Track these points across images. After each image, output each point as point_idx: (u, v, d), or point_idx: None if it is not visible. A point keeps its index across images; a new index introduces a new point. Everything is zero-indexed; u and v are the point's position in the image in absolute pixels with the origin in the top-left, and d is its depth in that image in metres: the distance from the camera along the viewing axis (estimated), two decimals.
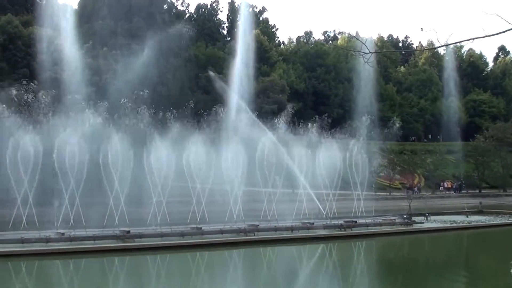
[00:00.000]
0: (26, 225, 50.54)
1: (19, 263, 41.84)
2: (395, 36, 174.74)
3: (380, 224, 62.30)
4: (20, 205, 52.31)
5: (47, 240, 45.24)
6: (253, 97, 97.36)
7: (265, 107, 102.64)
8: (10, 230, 48.70)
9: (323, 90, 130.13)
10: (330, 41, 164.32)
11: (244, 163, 61.84)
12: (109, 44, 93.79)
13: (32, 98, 61.27)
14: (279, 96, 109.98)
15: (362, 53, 15.77)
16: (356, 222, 61.03)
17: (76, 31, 74.73)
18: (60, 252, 44.14)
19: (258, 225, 55.09)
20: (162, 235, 49.40)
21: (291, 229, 55.81)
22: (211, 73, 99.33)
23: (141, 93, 74.03)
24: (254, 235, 52.87)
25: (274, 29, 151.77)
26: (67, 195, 53.51)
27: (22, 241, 44.34)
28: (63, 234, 46.53)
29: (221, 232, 52.33)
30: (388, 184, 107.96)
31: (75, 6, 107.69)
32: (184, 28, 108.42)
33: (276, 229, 55.33)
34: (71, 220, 51.76)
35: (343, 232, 57.59)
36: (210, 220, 57.42)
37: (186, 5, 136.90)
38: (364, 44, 16.39)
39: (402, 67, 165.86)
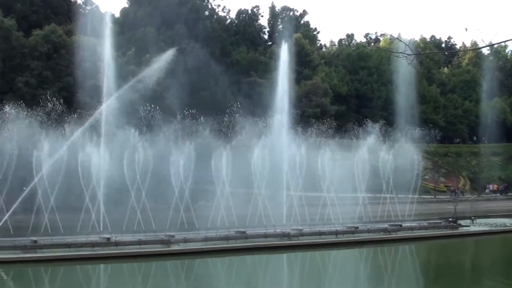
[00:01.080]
0: (73, 230, 51.15)
1: (66, 268, 42.51)
2: (437, 37, 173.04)
3: (425, 228, 61.79)
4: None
5: (93, 244, 45.86)
6: (296, 101, 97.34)
7: (307, 110, 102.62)
8: (58, 234, 49.32)
9: (365, 92, 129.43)
10: (372, 43, 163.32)
11: (288, 167, 61.92)
12: (151, 51, 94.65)
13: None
14: (321, 99, 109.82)
15: (405, 55, 15.75)
16: (401, 225, 60.59)
17: (119, 39, 75.69)
18: (106, 256, 44.76)
19: (302, 229, 55.03)
20: (206, 239, 49.60)
21: (336, 233, 55.62)
22: (249, 78, 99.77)
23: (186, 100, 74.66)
24: (298, 239, 52.84)
25: (315, 32, 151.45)
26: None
27: (69, 245, 45.00)
28: (108, 239, 47.09)
29: (265, 236, 52.37)
30: (433, 187, 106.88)
31: (117, 14, 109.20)
32: (225, 33, 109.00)
33: (320, 233, 55.16)
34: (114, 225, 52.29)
35: (388, 236, 57.22)
36: (254, 224, 57.43)
37: (227, 11, 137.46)
38: (408, 45, 16.35)
39: (445, 68, 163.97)
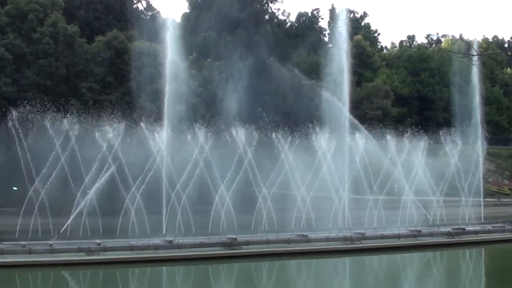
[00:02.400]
0: (136, 232, 51.85)
1: (128, 270, 43.14)
2: (500, 37, 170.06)
3: (489, 232, 60.56)
4: (128, 212, 53.76)
5: (156, 247, 46.40)
6: (357, 103, 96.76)
7: (369, 113, 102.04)
8: (122, 237, 50.04)
9: (427, 94, 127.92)
10: (434, 44, 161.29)
11: (349, 170, 61.64)
12: (212, 55, 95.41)
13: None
14: (383, 101, 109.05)
15: (469, 56, 15.59)
16: (464, 229, 59.55)
17: (180, 44, 76.25)
18: (168, 259, 45.25)
19: (365, 233, 54.62)
20: (268, 242, 49.65)
21: (398, 236, 55.02)
22: (310, 81, 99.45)
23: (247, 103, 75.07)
24: (361, 243, 52.48)
25: (376, 34, 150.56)
26: (176, 203, 54.67)
27: (132, 248, 45.62)
28: (171, 241, 47.53)
29: (327, 239, 52.12)
30: (496, 190, 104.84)
31: (178, 20, 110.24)
32: (285, 37, 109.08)
33: (382, 236, 54.62)
34: (180, 227, 52.76)
35: (451, 240, 56.39)
36: (316, 227, 57.26)
37: (287, 15, 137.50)
38: (472, 46, 16.15)
39: (508, 68, 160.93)
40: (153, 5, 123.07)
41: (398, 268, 47.89)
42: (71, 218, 50.80)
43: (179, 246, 46.87)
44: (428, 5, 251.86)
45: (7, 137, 54.28)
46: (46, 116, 55.39)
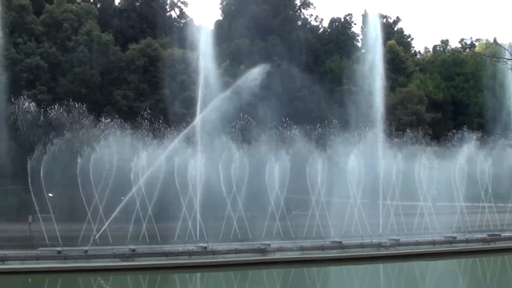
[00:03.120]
0: (170, 238, 52.10)
1: (163, 276, 43.32)
2: None
3: None
4: (164, 218, 54.08)
5: (190, 253, 46.58)
6: (391, 109, 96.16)
7: (403, 118, 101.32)
8: (156, 243, 50.30)
9: (461, 99, 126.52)
10: (468, 49, 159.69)
11: (383, 176, 61.31)
12: (245, 62, 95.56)
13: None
14: (417, 107, 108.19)
15: (504, 59, 15.39)
16: (500, 235, 58.87)
17: (213, 51, 76.53)
18: (202, 265, 45.40)
19: (399, 239, 54.25)
20: (302, 248, 49.57)
21: (433, 243, 54.60)
22: (343, 87, 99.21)
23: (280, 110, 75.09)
24: (395, 250, 52.17)
25: (409, 39, 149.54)
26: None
27: (166, 254, 45.87)
28: (205, 247, 47.70)
29: (361, 246, 51.93)
30: None
31: (212, 27, 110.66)
32: (318, 43, 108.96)
33: (417, 243, 54.27)
34: (211, 234, 52.89)
35: (487, 246, 55.74)
36: (350, 234, 56.93)
37: (320, 20, 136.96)
38: (507, 50, 15.94)
39: None
40: (186, 12, 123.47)
41: (433, 275, 47.45)
42: (106, 224, 51.26)
43: (213, 252, 47.08)
44: (462, 9, 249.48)
45: (42, 143, 54.92)
46: (81, 123, 56.07)
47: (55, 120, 59.20)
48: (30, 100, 71.33)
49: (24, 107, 67.82)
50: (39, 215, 53.64)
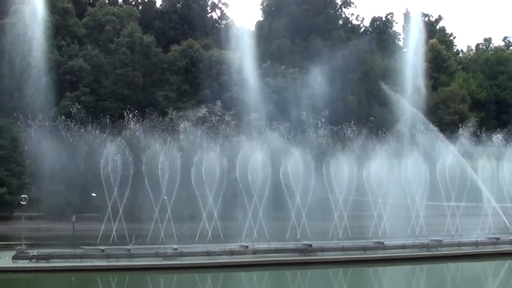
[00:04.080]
0: (211, 238, 52.37)
1: (206, 275, 43.52)
2: None
3: None
4: (206, 219, 54.29)
5: (232, 253, 46.75)
6: (433, 108, 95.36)
7: (445, 118, 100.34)
8: (197, 243, 50.62)
9: (505, 98, 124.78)
10: (511, 47, 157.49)
11: (425, 176, 60.74)
12: (286, 62, 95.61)
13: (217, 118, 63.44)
14: (459, 106, 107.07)
15: None
16: None
17: (254, 51, 76.99)
18: (244, 264, 45.50)
19: (442, 240, 53.69)
20: (344, 249, 49.36)
21: (476, 244, 53.84)
22: (384, 86, 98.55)
23: (321, 110, 74.99)
24: (437, 250, 51.65)
25: (451, 38, 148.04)
26: (251, 210, 54.98)
27: (208, 253, 46.09)
28: (247, 247, 47.80)
29: (404, 247, 51.46)
30: None
31: (252, 28, 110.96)
32: (359, 42, 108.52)
33: (460, 244, 53.58)
34: (254, 234, 52.98)
35: None
36: (392, 235, 56.57)
37: (361, 19, 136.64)
38: None
39: None
40: (227, 14, 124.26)
41: (476, 276, 46.89)
42: (152, 224, 51.81)
43: (255, 252, 47.08)
44: (505, 6, 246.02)
45: (86, 144, 55.64)
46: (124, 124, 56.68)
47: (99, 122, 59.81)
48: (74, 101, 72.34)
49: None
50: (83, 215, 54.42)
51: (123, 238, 49.76)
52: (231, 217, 57.37)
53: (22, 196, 53.44)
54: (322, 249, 48.91)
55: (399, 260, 48.92)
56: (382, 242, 51.56)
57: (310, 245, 48.69)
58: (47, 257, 43.12)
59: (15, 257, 43.00)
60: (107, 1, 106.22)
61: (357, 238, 53.48)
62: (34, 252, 43.49)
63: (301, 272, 45.58)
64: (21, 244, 45.36)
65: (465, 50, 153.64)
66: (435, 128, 70.72)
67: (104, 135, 56.20)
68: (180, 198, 53.70)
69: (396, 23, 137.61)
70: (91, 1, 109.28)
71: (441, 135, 68.31)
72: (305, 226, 55.77)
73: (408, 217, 59.95)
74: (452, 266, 49.36)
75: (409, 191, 60.25)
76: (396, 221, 59.57)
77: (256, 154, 56.82)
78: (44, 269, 41.88)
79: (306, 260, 46.92)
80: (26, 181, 70.97)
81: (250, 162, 56.08)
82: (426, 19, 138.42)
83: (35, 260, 42.76)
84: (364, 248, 50.04)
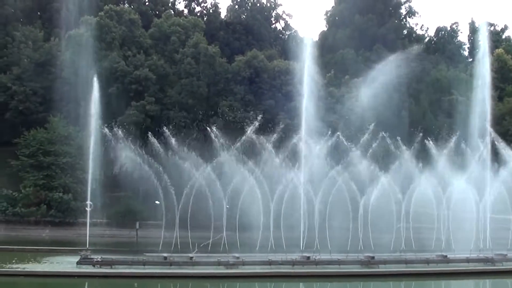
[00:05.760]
0: (273, 247, 52.50)
1: (266, 284, 43.75)
2: None
3: None
4: (268, 228, 54.47)
5: (293, 263, 46.82)
6: (499, 119, 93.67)
7: (511, 129, 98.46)
8: (258, 252, 50.90)
9: None
10: None
11: (490, 188, 59.79)
12: (350, 72, 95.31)
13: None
14: None
15: None
16: None
17: (318, 61, 76.71)
18: (306, 275, 45.52)
19: (506, 254, 52.70)
20: (406, 261, 48.97)
21: None
22: (450, 97, 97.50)
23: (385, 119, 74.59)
24: (502, 265, 50.73)
25: None
26: (312, 220, 54.95)
27: (270, 263, 46.25)
28: (308, 257, 47.82)
29: (467, 260, 50.75)
30: None
31: (316, 38, 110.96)
32: (425, 52, 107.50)
33: None
34: (317, 244, 52.96)
35: None
36: (456, 248, 55.76)
37: (426, 29, 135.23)
38: None
39: None
40: (291, 24, 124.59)
41: None
42: (212, 233, 52.31)
43: (316, 263, 47.11)
44: None
45: (151, 152, 56.45)
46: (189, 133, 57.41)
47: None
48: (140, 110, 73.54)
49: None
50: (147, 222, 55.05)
51: (186, 245, 50.36)
52: (294, 227, 57.33)
53: (87, 202, 54.51)
54: (385, 262, 48.58)
55: (463, 274, 48.28)
56: (446, 256, 50.96)
57: (373, 257, 48.45)
58: (110, 263, 44.04)
59: (79, 262, 44.02)
60: (172, 12, 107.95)
61: (420, 251, 52.93)
62: (98, 258, 44.45)
63: (363, 284, 45.48)
64: (85, 250, 46.42)
65: None
66: (499, 139, 69.42)
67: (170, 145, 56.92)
68: (244, 207, 53.98)
69: (461, 32, 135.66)
70: (157, 12, 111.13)
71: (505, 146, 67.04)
72: (368, 238, 55.45)
73: (472, 230, 59.00)
74: None
75: (475, 203, 59.43)
76: (460, 234, 58.70)
77: (318, 162, 56.96)
78: (108, 274, 42.79)
79: (368, 273, 46.71)
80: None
81: (313, 171, 56.27)
82: (492, 28, 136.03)
83: (98, 265, 43.69)
84: (427, 261, 49.56)
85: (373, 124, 66.20)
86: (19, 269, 43.70)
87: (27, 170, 79.35)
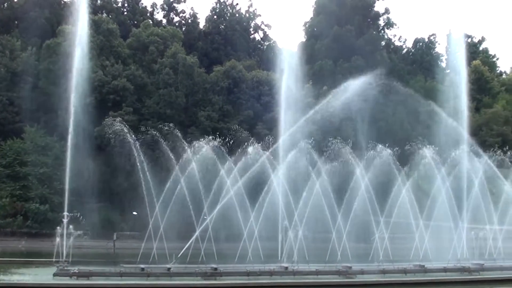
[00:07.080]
0: (251, 258, 52.33)
1: None
2: None
3: None
4: (247, 239, 54.38)
5: (272, 273, 46.67)
6: (476, 130, 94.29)
7: (488, 140, 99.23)
8: (237, 263, 50.68)
9: None
10: None
11: (468, 199, 60.16)
12: (328, 83, 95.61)
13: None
14: (503, 128, 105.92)
15: None
16: None
17: (297, 72, 76.99)
18: (284, 285, 45.40)
19: (483, 264, 53.02)
20: (384, 271, 49.03)
21: None
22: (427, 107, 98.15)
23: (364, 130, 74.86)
24: (479, 274, 50.98)
25: (494, 59, 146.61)
26: (290, 230, 54.91)
27: (248, 273, 46.04)
28: (286, 268, 47.73)
29: (445, 270, 50.90)
30: None
31: (295, 49, 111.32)
32: (402, 63, 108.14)
33: (502, 268, 52.87)
34: (294, 255, 52.90)
35: None
36: (433, 258, 56.03)
37: (404, 40, 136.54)
38: None
39: None
40: (269, 35, 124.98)
41: None
42: (189, 243, 52.06)
43: (294, 273, 47.01)
44: None
45: (128, 163, 56.22)
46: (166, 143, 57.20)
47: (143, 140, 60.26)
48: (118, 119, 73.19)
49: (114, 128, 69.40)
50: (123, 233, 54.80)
51: (164, 257, 50.04)
52: (272, 238, 57.25)
53: (64, 213, 54.09)
54: (362, 272, 48.61)
55: (440, 283, 48.38)
56: (423, 265, 51.14)
57: (350, 267, 48.49)
58: (87, 275, 43.55)
59: (56, 274, 43.58)
60: (151, 22, 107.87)
61: (398, 261, 53.04)
62: (75, 269, 44.01)
63: None
64: (62, 261, 46.01)
65: (508, 71, 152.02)
66: (478, 149, 69.90)
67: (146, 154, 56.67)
68: (221, 218, 53.80)
69: (439, 44, 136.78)
70: (135, 22, 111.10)
71: (483, 156, 67.52)
72: (345, 248, 55.52)
73: (450, 240, 59.33)
74: None
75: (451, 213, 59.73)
76: (438, 244, 58.99)
77: (297, 174, 56.96)
78: (84, 286, 42.36)
79: (345, 283, 46.61)
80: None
81: (292, 182, 56.29)
82: (469, 40, 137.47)
83: (75, 277, 43.27)
84: (405, 271, 49.62)
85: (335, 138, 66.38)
86: None
87: (3, 181, 78.86)
